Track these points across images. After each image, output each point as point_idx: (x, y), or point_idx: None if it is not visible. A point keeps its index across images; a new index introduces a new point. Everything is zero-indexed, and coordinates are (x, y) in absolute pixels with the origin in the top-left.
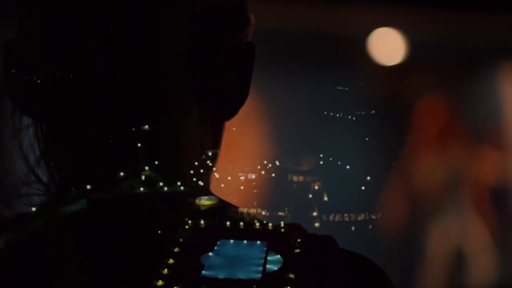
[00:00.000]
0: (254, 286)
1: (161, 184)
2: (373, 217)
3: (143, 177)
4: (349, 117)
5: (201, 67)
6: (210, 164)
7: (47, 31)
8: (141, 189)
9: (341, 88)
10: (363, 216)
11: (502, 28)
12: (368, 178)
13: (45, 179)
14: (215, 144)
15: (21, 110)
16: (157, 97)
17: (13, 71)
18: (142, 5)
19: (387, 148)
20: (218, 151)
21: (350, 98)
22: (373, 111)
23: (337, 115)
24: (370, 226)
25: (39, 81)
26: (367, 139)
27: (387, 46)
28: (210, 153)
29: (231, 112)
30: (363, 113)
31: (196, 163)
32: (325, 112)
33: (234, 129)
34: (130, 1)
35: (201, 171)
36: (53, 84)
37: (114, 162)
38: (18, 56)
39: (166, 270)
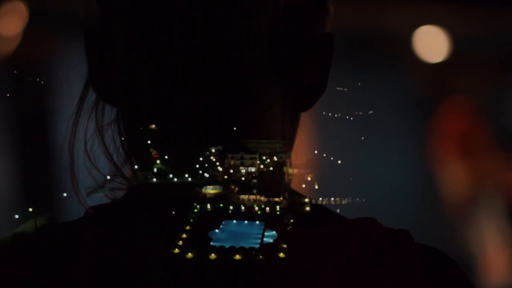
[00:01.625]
0: (254, 252)
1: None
2: (355, 201)
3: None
4: (347, 117)
5: (282, 58)
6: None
7: (132, 21)
8: (154, 179)
9: (341, 89)
10: (347, 200)
11: None
12: (357, 171)
13: (127, 173)
14: (292, 134)
15: (104, 99)
16: (239, 89)
17: (96, 60)
18: None
19: (380, 145)
20: (294, 141)
21: (349, 99)
22: (371, 112)
23: (335, 115)
24: (353, 209)
25: (122, 70)
26: (362, 138)
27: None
28: (286, 143)
29: (309, 102)
30: (360, 113)
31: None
32: (324, 113)
33: (234, 128)
34: None
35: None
36: (136, 73)
37: (192, 153)
38: (101, 45)
39: (181, 241)
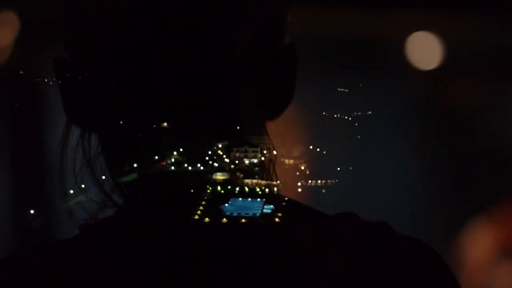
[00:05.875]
0: (255, 217)
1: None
2: (336, 181)
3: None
4: (345, 117)
5: (257, 70)
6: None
7: (100, 46)
8: (172, 168)
9: (342, 89)
10: (330, 183)
11: None
12: (345, 162)
13: (119, 201)
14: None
15: (82, 126)
16: (218, 103)
17: (69, 88)
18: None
19: (374, 144)
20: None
21: (350, 100)
22: (369, 112)
23: (335, 116)
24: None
25: (93, 95)
26: (359, 137)
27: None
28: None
29: (277, 112)
30: (359, 113)
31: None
32: (324, 113)
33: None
34: (190, 18)
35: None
36: (110, 96)
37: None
38: (73, 74)
39: (198, 211)
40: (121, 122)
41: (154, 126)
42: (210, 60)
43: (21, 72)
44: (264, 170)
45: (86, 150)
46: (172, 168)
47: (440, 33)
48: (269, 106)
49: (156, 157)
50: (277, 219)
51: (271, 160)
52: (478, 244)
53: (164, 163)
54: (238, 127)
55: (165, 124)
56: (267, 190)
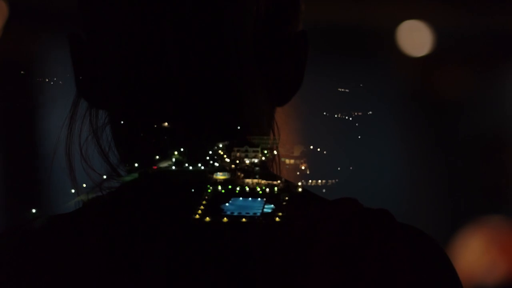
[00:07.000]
0: (256, 217)
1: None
2: (337, 181)
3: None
4: (346, 117)
5: (264, 57)
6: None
7: (121, 28)
8: (173, 167)
9: (343, 89)
10: (330, 182)
11: None
12: (346, 162)
13: (123, 173)
14: (268, 128)
15: (94, 104)
16: (229, 88)
17: (83, 66)
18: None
19: (373, 143)
20: (270, 134)
21: (350, 100)
22: (370, 112)
23: (335, 116)
24: (335, 188)
25: (113, 76)
26: (359, 137)
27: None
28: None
29: (286, 97)
30: (360, 113)
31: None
32: (325, 113)
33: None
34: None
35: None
36: (128, 79)
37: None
38: (87, 52)
39: (200, 211)
40: (127, 107)
41: (155, 125)
42: (218, 56)
43: (21, 72)
44: (266, 169)
45: (93, 120)
46: (173, 167)
47: (434, 21)
48: (278, 92)
49: (157, 153)
50: (277, 219)
51: (274, 158)
52: (477, 242)
53: (155, 167)
54: (239, 127)
55: (166, 124)
56: (267, 189)
